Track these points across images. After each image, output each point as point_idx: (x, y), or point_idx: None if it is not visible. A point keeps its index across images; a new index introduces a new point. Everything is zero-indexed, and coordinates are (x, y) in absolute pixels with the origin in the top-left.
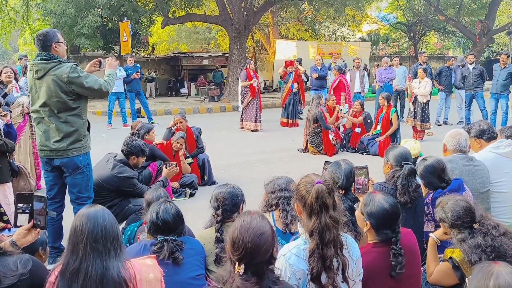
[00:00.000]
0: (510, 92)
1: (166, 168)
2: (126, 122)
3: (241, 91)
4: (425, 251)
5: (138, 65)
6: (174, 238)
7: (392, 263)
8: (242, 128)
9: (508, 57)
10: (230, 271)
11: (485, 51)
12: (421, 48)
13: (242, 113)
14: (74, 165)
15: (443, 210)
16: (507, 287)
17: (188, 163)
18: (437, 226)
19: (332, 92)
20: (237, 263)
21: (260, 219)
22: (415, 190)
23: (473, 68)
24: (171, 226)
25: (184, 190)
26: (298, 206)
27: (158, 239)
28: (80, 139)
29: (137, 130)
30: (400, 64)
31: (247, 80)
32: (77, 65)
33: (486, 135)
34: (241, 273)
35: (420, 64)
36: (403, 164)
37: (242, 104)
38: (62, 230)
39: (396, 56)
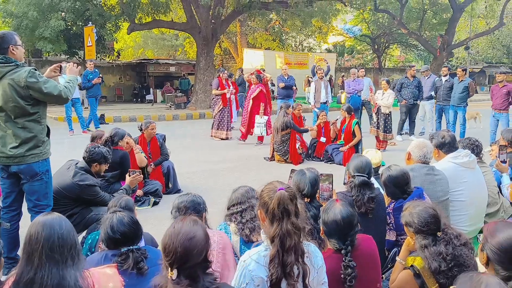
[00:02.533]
0: (467, 104)
1: (129, 176)
2: (85, 128)
3: (212, 98)
4: (386, 259)
5: (96, 70)
6: (138, 247)
7: (341, 275)
8: (212, 136)
9: (464, 71)
10: (166, 276)
11: (445, 64)
12: (385, 61)
13: (213, 121)
14: (32, 172)
15: (411, 215)
16: None
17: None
18: (398, 235)
19: (251, 102)
20: (169, 268)
21: (191, 223)
22: (369, 201)
23: (446, 80)
24: (130, 236)
25: (147, 199)
26: (261, 213)
27: (122, 250)
28: (39, 145)
29: (110, 136)
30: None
31: (219, 88)
32: (35, 69)
33: (446, 148)
34: (173, 278)
35: (407, 78)
36: (355, 176)
37: (213, 112)
38: (19, 240)
39: (362, 68)
